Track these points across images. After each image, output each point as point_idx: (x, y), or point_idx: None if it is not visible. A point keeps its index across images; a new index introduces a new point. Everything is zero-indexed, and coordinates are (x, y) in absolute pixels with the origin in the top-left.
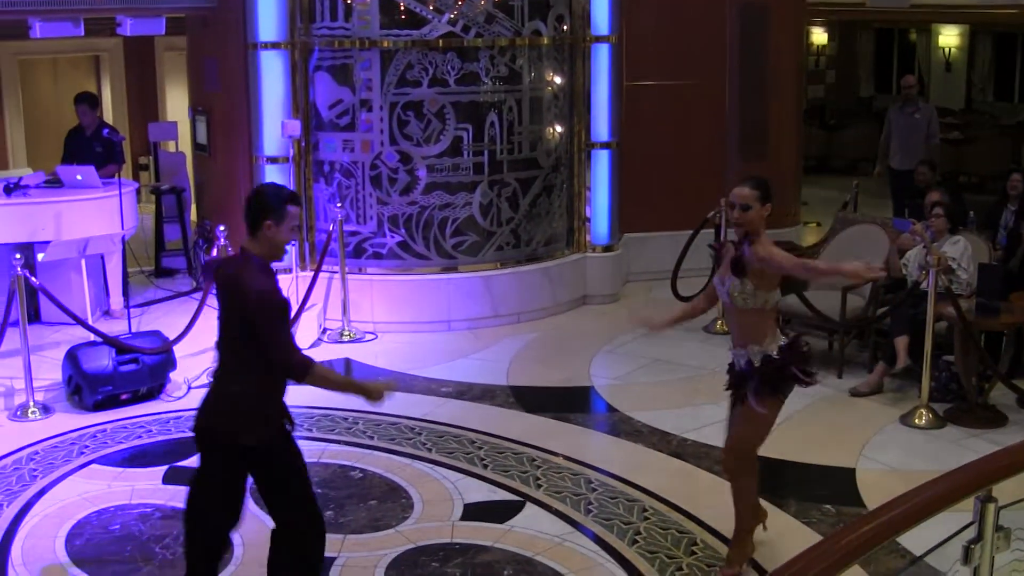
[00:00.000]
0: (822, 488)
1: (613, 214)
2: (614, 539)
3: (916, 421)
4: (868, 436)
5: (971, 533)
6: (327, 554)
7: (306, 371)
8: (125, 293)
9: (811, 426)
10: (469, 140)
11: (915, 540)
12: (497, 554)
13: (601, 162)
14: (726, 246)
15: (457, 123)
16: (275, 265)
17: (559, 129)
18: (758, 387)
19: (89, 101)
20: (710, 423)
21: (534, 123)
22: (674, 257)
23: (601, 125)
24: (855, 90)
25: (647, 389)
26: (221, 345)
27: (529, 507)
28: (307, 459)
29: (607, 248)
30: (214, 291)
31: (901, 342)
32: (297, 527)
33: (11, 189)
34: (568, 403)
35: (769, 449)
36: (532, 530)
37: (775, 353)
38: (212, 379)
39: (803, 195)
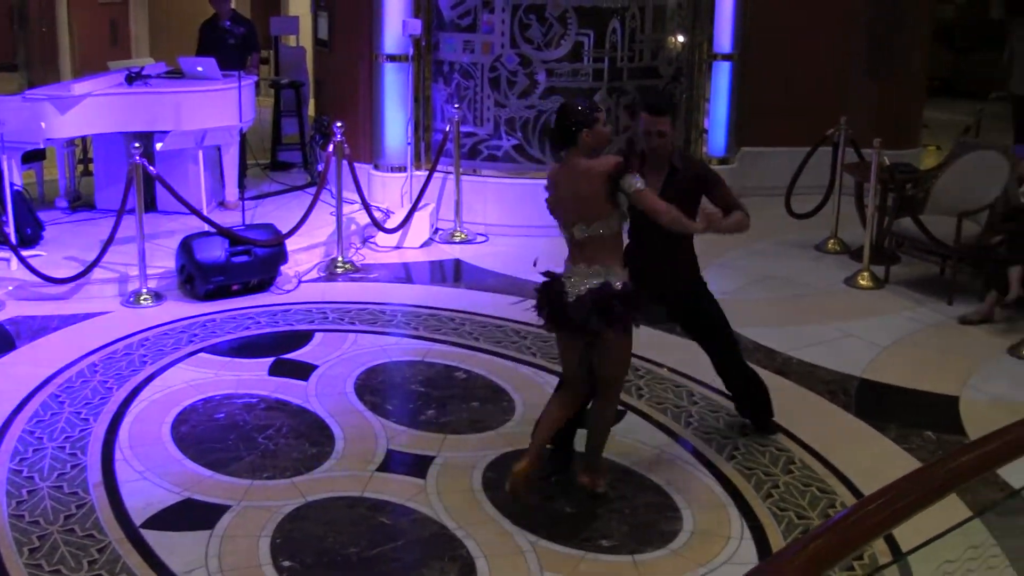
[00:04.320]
0: (924, 415)
1: (731, 127)
2: (712, 453)
3: None
4: (975, 365)
5: None
6: (427, 453)
7: None
8: (241, 185)
9: (917, 352)
10: (590, 46)
11: (1015, 471)
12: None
13: (722, 74)
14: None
15: (579, 28)
16: (393, 164)
17: (681, 39)
18: None
19: None
20: (816, 342)
21: (656, 31)
22: (790, 173)
23: (724, 36)
24: (986, 12)
25: (756, 305)
26: None
27: (630, 416)
28: (412, 358)
29: (723, 160)
30: None
31: (1015, 272)
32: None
33: (132, 79)
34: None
35: (873, 373)
36: (631, 439)
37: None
38: None
39: (926, 117)
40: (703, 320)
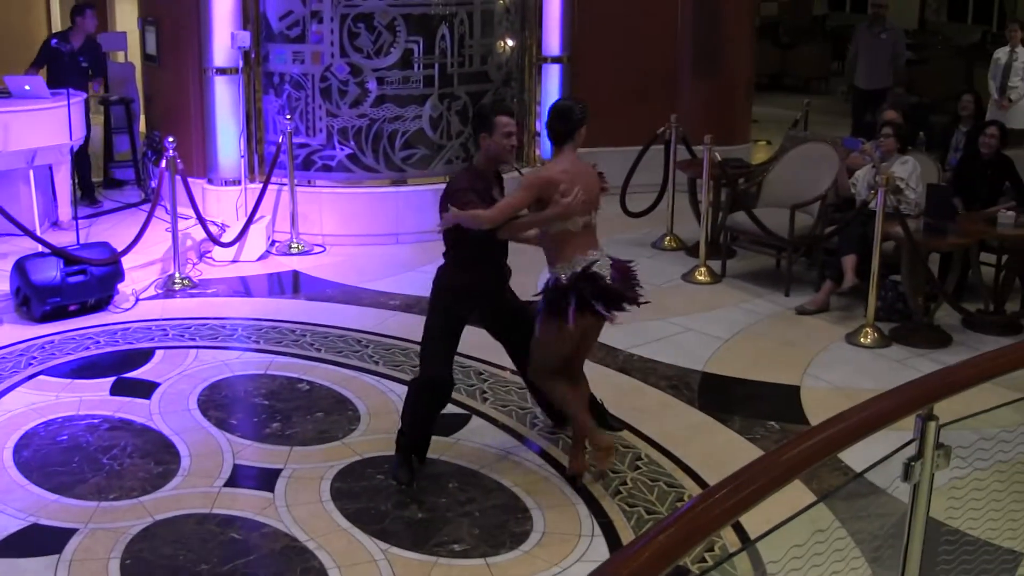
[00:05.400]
0: (767, 405)
1: None
2: (559, 453)
3: (862, 340)
4: (814, 354)
5: (912, 450)
6: (274, 466)
7: None
8: (92, 198)
9: (757, 343)
10: (420, 53)
11: (856, 457)
12: (442, 467)
13: (552, 76)
14: None
15: (408, 36)
16: (226, 177)
17: (510, 43)
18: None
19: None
20: (656, 339)
21: (485, 36)
22: (624, 173)
23: (552, 39)
24: (809, 8)
25: None
26: None
27: (475, 420)
28: (255, 372)
29: None
30: None
31: (849, 261)
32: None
33: None
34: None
35: (714, 366)
36: (478, 443)
37: (564, 279)
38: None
39: (755, 113)
40: (521, 317)
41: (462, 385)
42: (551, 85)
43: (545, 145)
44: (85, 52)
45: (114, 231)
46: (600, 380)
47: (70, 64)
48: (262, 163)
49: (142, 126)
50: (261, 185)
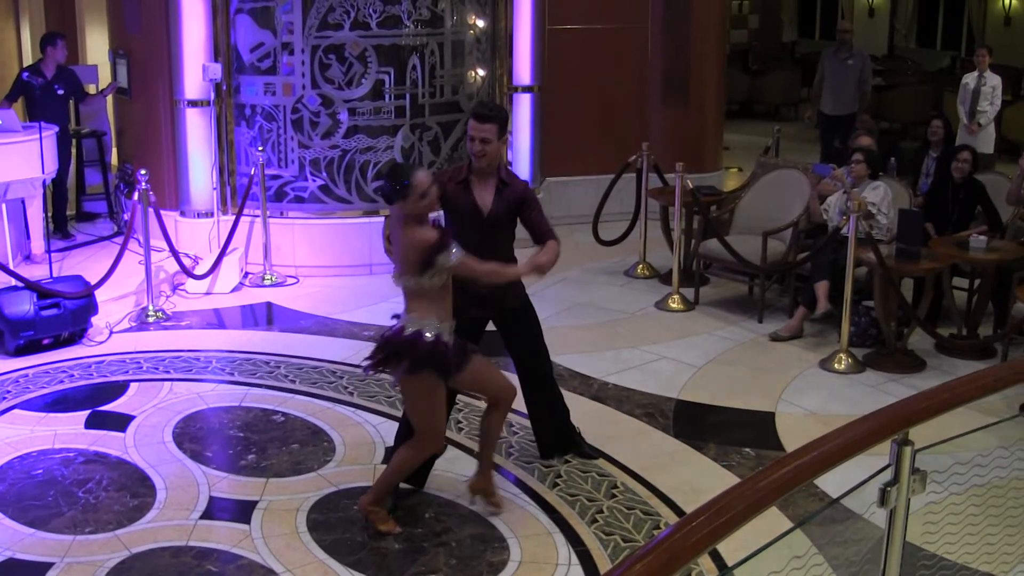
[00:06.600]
0: (742, 432)
1: (535, 158)
2: (535, 482)
3: (835, 365)
4: (788, 380)
5: (887, 476)
6: (250, 498)
7: None
8: (64, 232)
9: (731, 370)
10: (391, 83)
11: (832, 483)
12: (418, 497)
13: (523, 106)
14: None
15: (379, 66)
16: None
17: (481, 73)
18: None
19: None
20: (631, 367)
21: (456, 67)
22: (596, 201)
23: (523, 69)
24: (778, 35)
25: (568, 333)
26: None
27: (450, 450)
28: (229, 403)
29: None
30: None
31: (821, 287)
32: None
33: None
34: (489, 347)
35: (689, 393)
36: (453, 473)
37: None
38: None
39: (726, 140)
40: (530, 337)
41: None
42: (523, 114)
43: (519, 173)
44: (60, 80)
45: (87, 264)
46: (575, 408)
47: (44, 95)
48: (234, 195)
49: (114, 159)
50: (234, 217)
